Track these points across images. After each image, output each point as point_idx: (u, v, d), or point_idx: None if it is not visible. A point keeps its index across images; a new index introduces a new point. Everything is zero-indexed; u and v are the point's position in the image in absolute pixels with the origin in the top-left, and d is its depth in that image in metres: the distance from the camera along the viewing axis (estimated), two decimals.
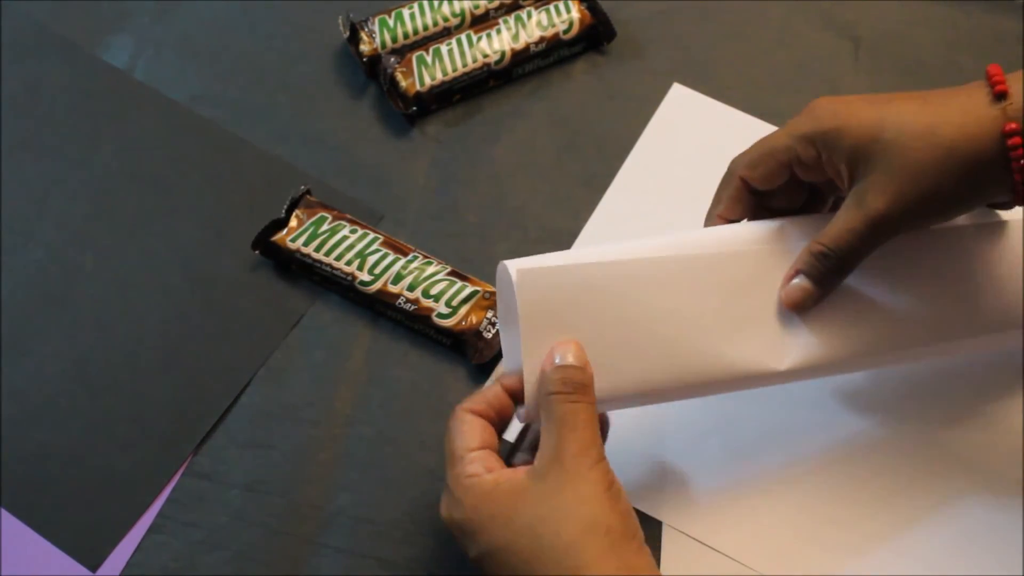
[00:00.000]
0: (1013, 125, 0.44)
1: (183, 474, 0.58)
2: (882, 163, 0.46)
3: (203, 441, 0.58)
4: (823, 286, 0.50)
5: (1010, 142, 0.44)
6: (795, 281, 0.50)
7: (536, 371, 0.49)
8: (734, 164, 0.52)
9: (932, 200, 0.46)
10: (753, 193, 0.52)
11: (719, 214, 0.53)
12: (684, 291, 0.50)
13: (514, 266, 0.49)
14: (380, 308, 0.61)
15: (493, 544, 0.45)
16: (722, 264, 0.51)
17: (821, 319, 0.51)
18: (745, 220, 0.53)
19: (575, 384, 0.47)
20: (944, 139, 0.45)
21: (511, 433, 0.53)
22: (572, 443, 0.45)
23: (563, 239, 0.64)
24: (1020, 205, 0.47)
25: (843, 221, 0.48)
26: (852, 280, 0.51)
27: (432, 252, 0.62)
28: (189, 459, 0.58)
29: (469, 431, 0.48)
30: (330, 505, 0.56)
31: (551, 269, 0.49)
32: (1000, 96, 0.45)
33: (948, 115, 0.45)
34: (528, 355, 0.49)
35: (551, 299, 0.49)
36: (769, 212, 0.53)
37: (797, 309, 0.51)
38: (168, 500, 0.57)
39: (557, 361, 0.47)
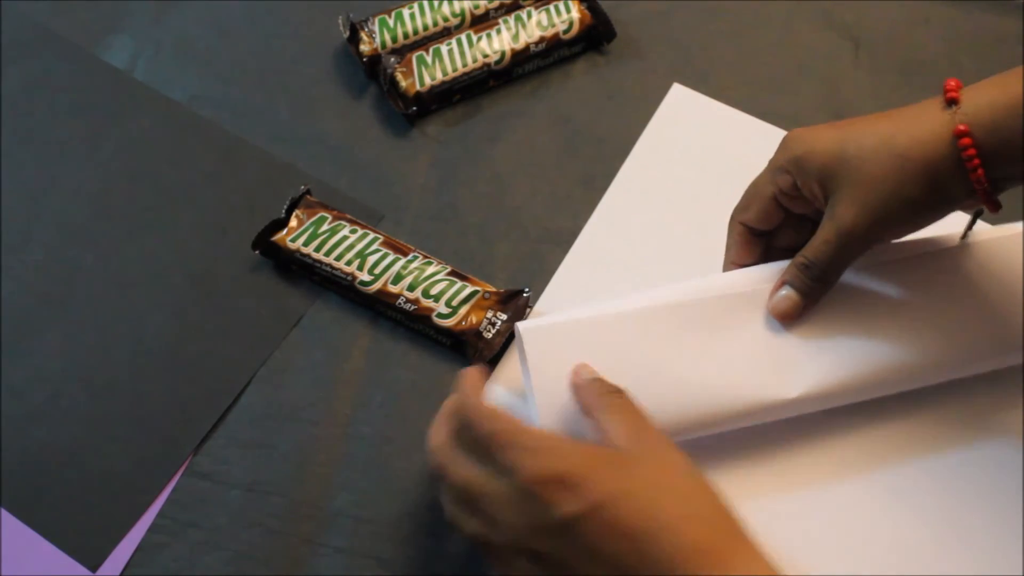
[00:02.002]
0: (962, 127, 0.46)
1: (183, 474, 0.58)
2: (846, 178, 0.49)
3: (203, 441, 0.58)
4: (807, 296, 0.53)
5: (960, 143, 0.46)
6: (781, 292, 0.53)
7: (552, 424, 0.51)
8: (733, 213, 0.55)
9: (896, 207, 0.48)
10: (759, 235, 0.55)
11: (732, 261, 0.56)
12: (687, 337, 0.53)
13: (523, 326, 0.52)
14: (380, 308, 0.61)
15: (612, 490, 0.42)
16: (721, 307, 0.54)
17: (827, 347, 0.53)
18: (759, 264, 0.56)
19: (614, 388, 0.48)
20: (899, 147, 0.47)
21: None
22: (648, 425, 0.46)
23: (563, 239, 0.64)
24: (987, 206, 0.48)
25: (820, 235, 0.51)
26: (861, 307, 0.54)
27: (432, 252, 0.62)
28: (189, 459, 0.58)
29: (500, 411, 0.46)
30: (330, 505, 0.56)
31: (556, 325, 0.53)
32: (951, 103, 0.47)
33: (903, 126, 0.48)
34: (541, 407, 0.52)
35: (560, 353, 0.52)
36: (781, 252, 0.56)
37: (784, 319, 0.54)
38: (168, 500, 0.57)
39: (586, 376, 0.49)
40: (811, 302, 0.53)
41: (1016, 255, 0.55)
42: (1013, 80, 0.47)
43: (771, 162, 0.53)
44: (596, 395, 0.48)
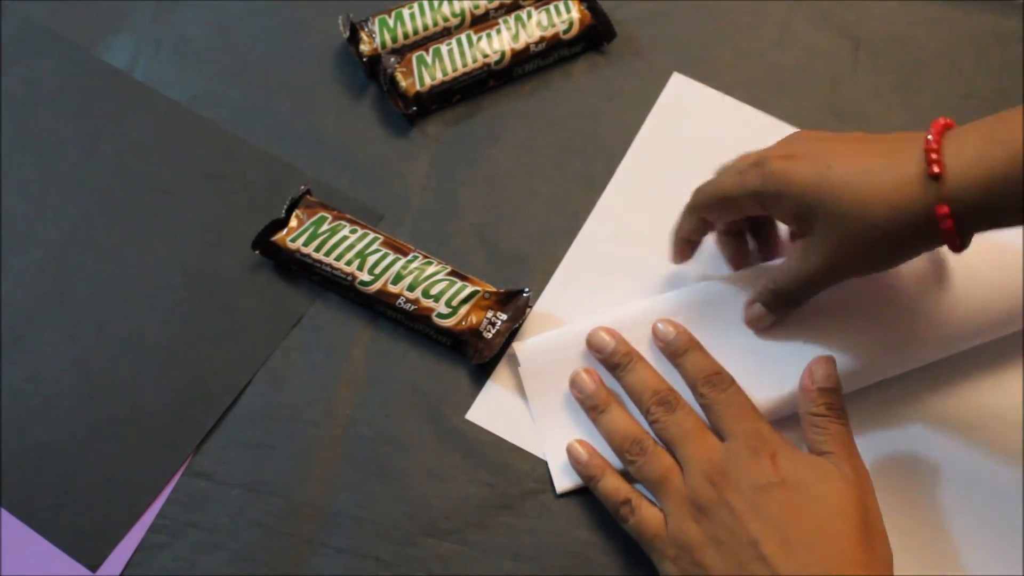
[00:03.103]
0: (945, 209, 0.45)
1: (183, 474, 0.58)
2: (820, 228, 0.49)
3: (203, 441, 0.58)
4: (776, 312, 0.55)
5: (942, 225, 0.46)
6: (754, 307, 0.56)
7: (548, 430, 0.57)
8: (695, 201, 0.56)
9: (866, 264, 0.50)
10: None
11: (683, 236, 0.58)
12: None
13: (517, 345, 0.59)
14: (380, 308, 0.61)
15: (803, 479, 0.48)
16: (703, 314, 0.57)
17: (817, 343, 0.55)
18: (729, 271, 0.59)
19: (843, 409, 0.52)
20: (878, 219, 0.47)
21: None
22: (857, 454, 0.51)
23: (563, 238, 0.64)
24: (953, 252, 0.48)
25: (790, 266, 0.53)
26: (845, 302, 0.55)
27: (432, 252, 0.62)
28: (189, 459, 0.58)
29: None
30: (330, 505, 0.56)
31: (548, 338, 0.58)
32: (935, 177, 0.45)
33: (883, 190, 0.47)
34: (537, 416, 0.58)
35: (552, 366, 0.58)
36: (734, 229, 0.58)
37: (755, 329, 0.57)
38: (168, 500, 0.57)
39: (821, 384, 0.52)
40: (781, 317, 0.56)
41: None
42: (996, 149, 0.45)
43: (744, 181, 0.52)
44: (827, 408, 0.51)
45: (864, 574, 0.45)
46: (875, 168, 0.48)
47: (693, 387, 0.54)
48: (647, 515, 0.52)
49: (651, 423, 0.54)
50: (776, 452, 0.49)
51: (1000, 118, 0.46)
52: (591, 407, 0.56)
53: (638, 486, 0.54)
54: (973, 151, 0.45)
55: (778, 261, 0.58)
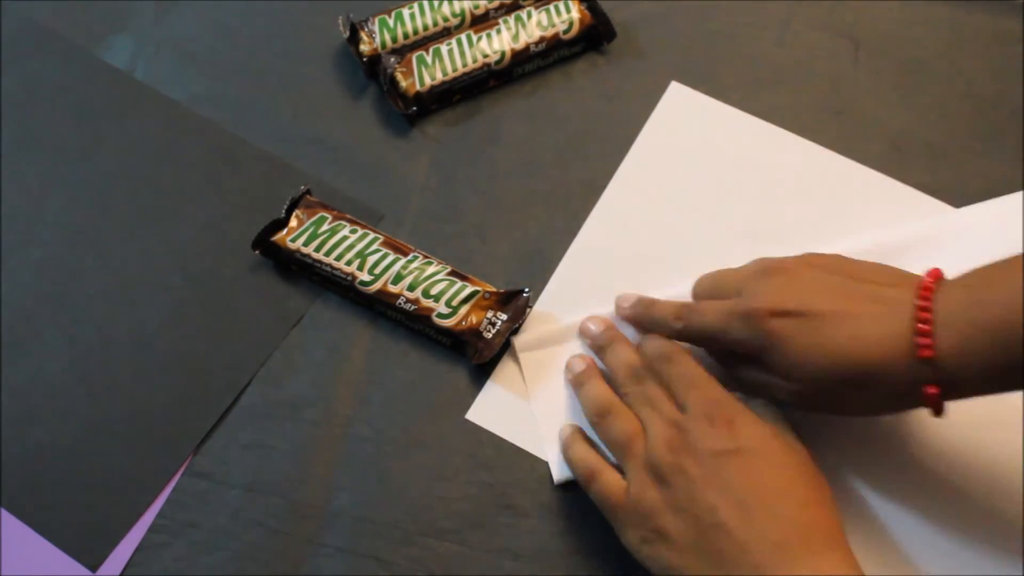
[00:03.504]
0: (933, 390, 0.46)
1: (183, 474, 0.58)
2: (799, 375, 0.49)
3: (203, 441, 0.58)
4: (663, 334, 0.56)
5: (930, 400, 0.46)
6: (641, 300, 0.58)
7: (546, 415, 0.58)
8: (688, 319, 0.54)
9: (832, 410, 0.51)
10: None
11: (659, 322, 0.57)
12: None
13: (515, 339, 0.60)
14: (380, 308, 0.61)
15: (760, 447, 0.49)
16: None
17: None
18: None
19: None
20: (866, 399, 0.48)
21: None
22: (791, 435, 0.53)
23: (563, 239, 0.64)
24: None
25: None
26: None
27: (432, 252, 0.62)
28: (189, 459, 0.58)
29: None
30: (330, 505, 0.56)
31: (546, 332, 0.59)
32: (926, 361, 0.45)
33: (874, 372, 0.47)
34: (537, 409, 0.58)
35: (548, 352, 0.59)
36: None
37: (619, 312, 0.59)
38: (168, 500, 0.57)
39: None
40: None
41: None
42: (986, 313, 0.45)
43: (731, 329, 0.51)
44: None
45: (824, 540, 0.45)
46: (865, 330, 0.47)
47: (648, 368, 0.54)
48: (610, 480, 0.52)
49: (622, 396, 0.54)
50: (733, 418, 0.49)
51: (990, 281, 0.46)
52: (577, 384, 0.57)
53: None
54: (965, 317, 0.45)
55: None
